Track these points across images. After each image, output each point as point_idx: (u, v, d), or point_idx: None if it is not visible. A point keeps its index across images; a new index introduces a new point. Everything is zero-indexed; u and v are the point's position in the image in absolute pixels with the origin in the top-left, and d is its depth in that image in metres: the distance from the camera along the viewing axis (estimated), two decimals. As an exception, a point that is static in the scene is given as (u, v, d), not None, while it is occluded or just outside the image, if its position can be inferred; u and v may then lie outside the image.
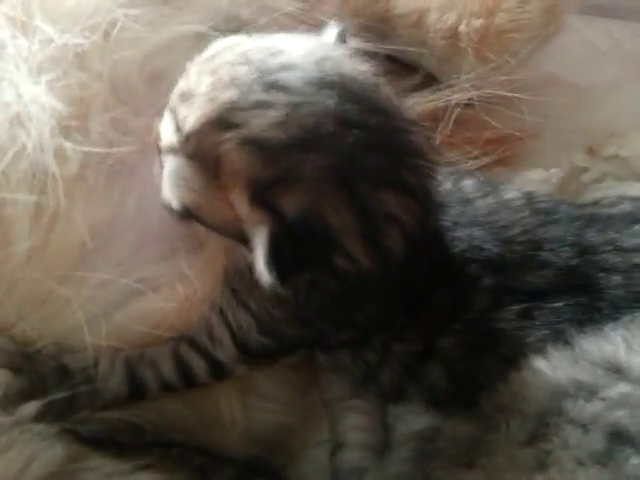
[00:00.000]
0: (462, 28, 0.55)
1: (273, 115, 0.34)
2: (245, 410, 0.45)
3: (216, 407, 0.44)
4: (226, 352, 0.45)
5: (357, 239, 0.37)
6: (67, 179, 0.39)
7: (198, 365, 0.44)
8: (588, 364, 0.38)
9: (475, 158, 0.55)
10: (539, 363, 0.39)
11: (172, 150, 0.37)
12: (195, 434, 0.42)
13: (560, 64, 0.64)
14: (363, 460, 0.46)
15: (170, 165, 0.38)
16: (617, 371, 0.37)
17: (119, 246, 0.41)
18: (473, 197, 0.47)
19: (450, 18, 0.55)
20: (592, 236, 0.44)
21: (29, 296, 0.39)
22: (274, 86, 0.35)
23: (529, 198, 0.48)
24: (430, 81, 0.60)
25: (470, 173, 0.52)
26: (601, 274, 0.43)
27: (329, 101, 0.35)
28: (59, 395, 0.36)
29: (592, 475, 0.34)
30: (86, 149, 0.40)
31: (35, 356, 0.39)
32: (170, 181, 0.38)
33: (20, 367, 0.38)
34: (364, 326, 0.44)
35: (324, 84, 0.35)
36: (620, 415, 0.35)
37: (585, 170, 0.57)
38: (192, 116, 0.35)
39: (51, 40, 0.38)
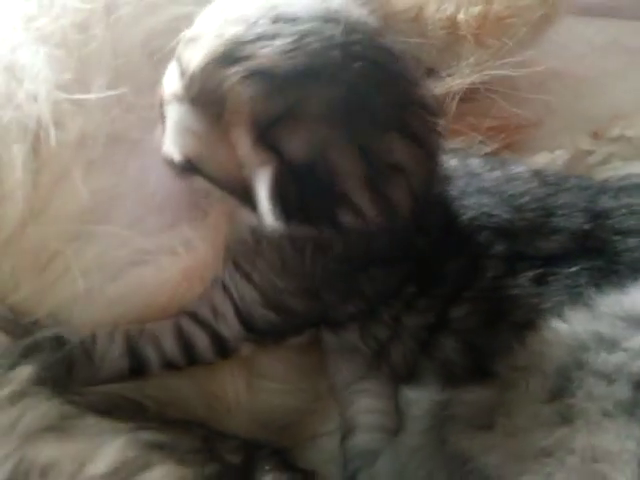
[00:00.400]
0: (460, 17, 0.55)
1: (279, 44, 0.33)
2: (250, 391, 0.43)
3: (221, 387, 0.42)
4: (230, 327, 0.43)
5: (361, 184, 0.36)
6: (66, 144, 0.38)
7: (201, 340, 0.43)
8: (608, 318, 0.37)
9: (479, 144, 0.54)
10: (556, 322, 0.38)
11: (175, 98, 0.36)
12: (198, 413, 0.40)
13: (559, 60, 0.64)
14: (376, 442, 0.44)
15: (173, 114, 0.37)
16: (638, 323, 0.36)
17: (119, 215, 0.40)
18: (480, 171, 0.46)
19: (448, 8, 0.56)
20: (605, 201, 0.44)
21: (26, 262, 0.38)
22: (280, 18, 0.34)
23: (537, 172, 0.48)
24: (430, 75, 0.61)
25: (476, 152, 0.51)
26: (616, 237, 0.42)
27: (335, 32, 0.34)
28: (54, 358, 0.35)
29: (620, 425, 0.32)
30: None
31: (31, 325, 0.38)
32: (172, 132, 0.37)
33: (15, 332, 0.37)
34: (371, 296, 0.42)
35: (330, 18, 0.35)
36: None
37: (590, 153, 0.56)
38: (197, 55, 0.35)
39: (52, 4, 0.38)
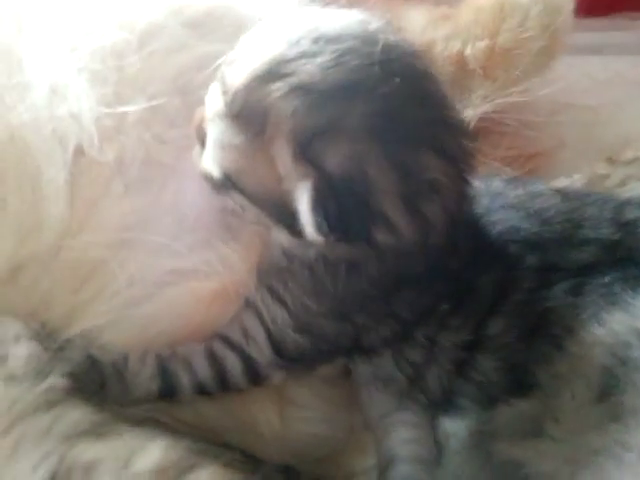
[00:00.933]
0: (468, 52, 0.57)
1: (320, 61, 0.35)
2: (282, 419, 0.41)
3: (252, 414, 0.41)
4: (261, 351, 0.42)
5: (398, 201, 0.36)
6: (104, 164, 0.39)
7: (232, 363, 0.42)
8: None
9: (497, 170, 0.55)
10: (594, 326, 0.37)
11: (218, 116, 0.37)
12: (230, 440, 0.39)
13: (566, 94, 0.66)
14: (417, 472, 0.42)
15: (214, 132, 0.38)
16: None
17: (153, 236, 0.40)
18: (503, 190, 0.47)
19: (455, 45, 0.58)
20: (630, 212, 0.44)
21: (61, 281, 0.38)
22: (321, 38, 0.36)
23: (559, 190, 0.48)
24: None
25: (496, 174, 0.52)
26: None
27: (374, 50, 0.35)
28: (88, 376, 0.34)
29: None
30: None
31: (63, 343, 0.37)
32: (213, 148, 0.38)
33: (47, 347, 0.36)
34: (405, 317, 0.41)
35: (369, 38, 0.36)
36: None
37: (607, 177, 0.57)
38: (241, 73, 0.36)
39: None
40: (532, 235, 0.42)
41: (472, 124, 0.56)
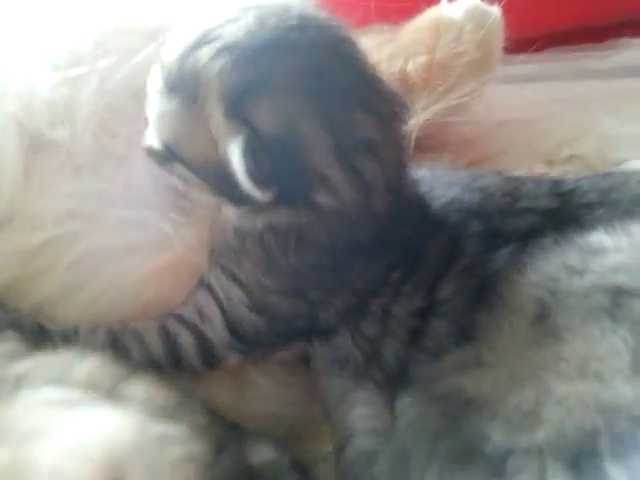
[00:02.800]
0: (409, 67, 0.61)
1: (243, 23, 0.37)
2: (239, 400, 0.40)
3: (207, 392, 0.40)
4: (216, 331, 0.42)
5: (331, 157, 0.37)
6: (54, 148, 0.40)
7: (186, 341, 0.42)
8: (572, 252, 0.39)
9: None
10: (526, 270, 0.39)
11: (157, 92, 0.39)
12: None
13: (505, 112, 0.71)
14: (374, 444, 0.41)
15: (153, 107, 0.39)
16: (596, 252, 0.38)
17: (104, 215, 0.40)
18: (446, 172, 0.49)
19: (398, 62, 0.62)
20: (566, 185, 0.45)
21: (12, 254, 0.38)
22: (244, 8, 0.38)
23: (499, 172, 0.50)
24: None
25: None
26: (582, 210, 0.44)
27: (294, 14, 0.38)
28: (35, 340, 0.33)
29: (605, 327, 0.33)
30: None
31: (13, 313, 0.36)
32: (153, 123, 0.39)
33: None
34: (358, 288, 0.42)
35: (288, 6, 0.39)
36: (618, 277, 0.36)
37: (546, 175, 0.60)
38: (174, 47, 0.38)
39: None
40: (474, 206, 0.44)
41: (415, 133, 0.59)
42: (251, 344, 0.43)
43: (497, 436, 0.31)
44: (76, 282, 0.39)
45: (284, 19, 0.37)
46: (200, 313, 0.42)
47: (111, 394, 0.30)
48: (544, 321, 0.36)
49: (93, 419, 0.27)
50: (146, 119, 0.41)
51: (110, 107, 0.45)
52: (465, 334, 0.39)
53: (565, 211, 0.43)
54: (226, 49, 0.36)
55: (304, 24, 0.38)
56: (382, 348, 0.42)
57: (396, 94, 0.42)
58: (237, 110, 0.36)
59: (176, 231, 0.41)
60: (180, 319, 0.42)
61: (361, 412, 0.44)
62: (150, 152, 0.41)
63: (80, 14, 0.46)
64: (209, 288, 0.43)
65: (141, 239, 0.41)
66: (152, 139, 0.40)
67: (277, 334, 0.43)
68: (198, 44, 0.37)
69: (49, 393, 0.28)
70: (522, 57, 0.75)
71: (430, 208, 0.44)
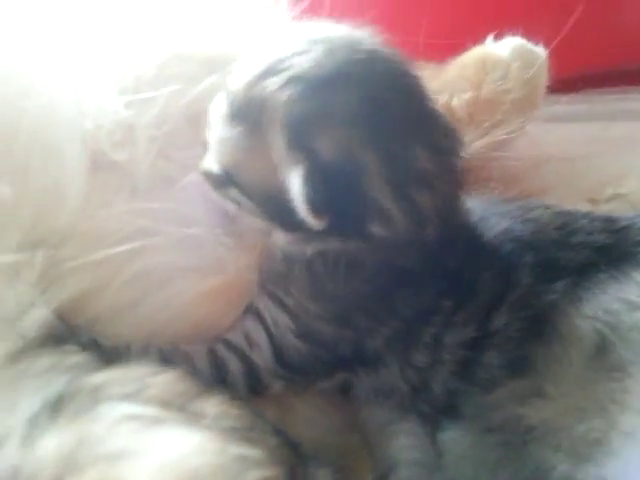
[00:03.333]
0: (454, 103, 0.62)
1: (312, 56, 0.38)
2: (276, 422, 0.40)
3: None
4: (263, 357, 0.42)
5: (388, 187, 0.38)
6: (115, 167, 0.41)
7: (235, 367, 0.42)
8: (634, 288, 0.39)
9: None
10: (583, 304, 0.39)
11: (219, 117, 0.40)
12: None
13: (549, 147, 0.71)
14: (418, 476, 0.40)
15: (215, 132, 0.40)
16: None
17: (160, 235, 0.41)
18: (497, 203, 0.49)
19: (443, 97, 0.63)
20: (621, 222, 0.45)
21: (70, 268, 0.38)
22: (313, 40, 0.39)
23: (548, 205, 0.50)
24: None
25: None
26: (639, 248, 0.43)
27: (362, 48, 0.39)
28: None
29: None
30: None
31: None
32: (214, 147, 0.40)
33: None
34: (406, 314, 0.42)
35: (355, 40, 0.40)
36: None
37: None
38: (242, 76, 0.39)
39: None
40: (528, 237, 0.44)
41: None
42: (295, 372, 0.43)
43: (563, 466, 0.31)
44: (131, 300, 0.39)
45: (352, 53, 0.39)
46: (248, 339, 0.42)
47: (186, 411, 0.29)
48: (606, 355, 0.35)
49: (176, 439, 0.27)
50: (205, 144, 0.42)
51: (168, 132, 0.47)
52: (518, 366, 0.39)
53: (621, 248, 0.43)
54: (294, 80, 0.37)
55: (371, 58, 0.39)
56: (430, 379, 0.42)
57: (453, 129, 0.42)
58: (300, 139, 0.37)
59: (229, 254, 0.42)
60: (229, 344, 0.42)
61: (404, 443, 0.43)
62: (208, 176, 0.42)
63: (146, 40, 0.48)
64: (257, 314, 0.43)
65: (195, 260, 0.41)
66: (211, 163, 0.41)
67: (321, 362, 0.43)
68: (266, 74, 0.38)
69: (128, 409, 0.28)
70: (561, 97, 0.77)
71: (482, 238, 0.44)
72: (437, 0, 0.77)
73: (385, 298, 0.41)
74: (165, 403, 0.30)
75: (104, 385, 0.30)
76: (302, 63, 0.37)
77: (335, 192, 0.36)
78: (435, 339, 0.41)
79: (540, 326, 0.40)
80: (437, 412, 0.42)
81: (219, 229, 0.43)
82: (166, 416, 0.29)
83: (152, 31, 0.49)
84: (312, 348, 0.42)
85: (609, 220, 0.46)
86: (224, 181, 0.40)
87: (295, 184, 0.36)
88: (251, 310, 0.43)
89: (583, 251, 0.43)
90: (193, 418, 0.29)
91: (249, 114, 0.38)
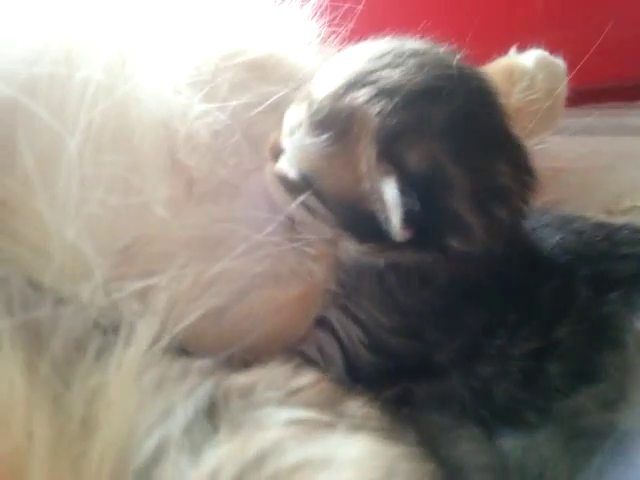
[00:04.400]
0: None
1: (403, 69, 0.38)
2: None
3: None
4: (336, 370, 0.42)
5: (472, 201, 0.38)
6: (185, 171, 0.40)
7: None
8: None
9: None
10: None
11: (299, 126, 0.40)
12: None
13: (558, 161, 0.73)
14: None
15: (295, 139, 0.40)
16: None
17: (234, 243, 0.40)
18: (539, 214, 0.50)
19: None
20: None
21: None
22: (403, 54, 0.40)
23: (586, 217, 0.52)
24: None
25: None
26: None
27: (451, 64, 0.40)
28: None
29: None
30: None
31: None
32: (292, 152, 0.40)
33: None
34: (474, 328, 0.42)
35: (444, 55, 0.41)
36: None
37: (613, 224, 0.62)
38: (327, 85, 0.39)
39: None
40: (580, 248, 0.45)
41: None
42: (364, 384, 0.42)
43: None
44: (215, 309, 0.39)
45: (442, 68, 0.39)
46: (321, 352, 0.42)
47: (337, 413, 0.29)
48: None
49: (349, 443, 0.27)
50: (274, 148, 0.42)
51: (222, 138, 0.46)
52: (589, 374, 0.40)
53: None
54: (386, 92, 0.38)
55: (460, 74, 0.40)
56: (494, 388, 0.43)
57: (525, 146, 0.43)
58: (391, 151, 0.37)
59: (301, 263, 0.42)
60: (304, 357, 0.42)
61: (468, 448, 0.43)
62: (282, 180, 0.42)
63: (201, 46, 0.47)
64: (330, 327, 0.43)
65: (271, 268, 0.41)
66: (288, 168, 0.41)
67: (387, 373, 0.43)
68: (356, 84, 0.38)
69: (290, 414, 0.28)
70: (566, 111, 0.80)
71: (540, 251, 0.45)
72: (453, 12, 0.79)
73: (454, 311, 0.42)
74: (318, 404, 0.29)
75: (252, 388, 0.29)
76: (393, 76, 0.38)
77: (421, 204, 0.37)
78: (500, 351, 0.42)
79: (605, 335, 0.41)
80: (497, 419, 0.43)
81: (286, 237, 0.42)
82: (328, 419, 0.28)
83: (204, 36, 0.49)
84: (381, 360, 0.43)
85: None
86: (300, 186, 0.40)
87: (389, 194, 0.36)
88: (323, 323, 0.43)
89: (631, 262, 0.45)
90: (344, 420, 0.29)
91: (336, 123, 0.38)
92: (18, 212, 0.37)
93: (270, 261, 0.41)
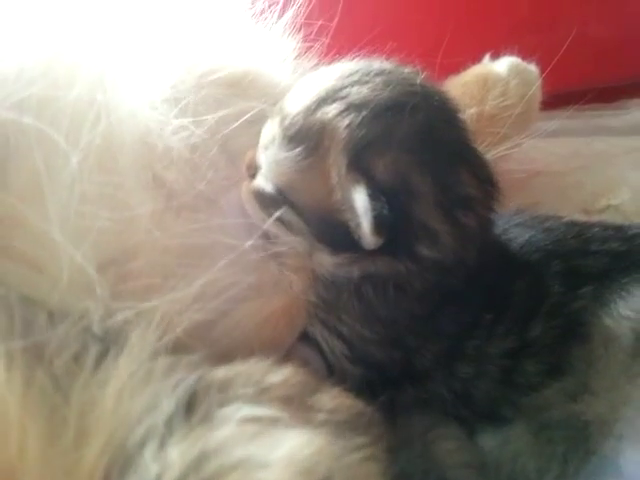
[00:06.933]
0: (461, 118, 0.65)
1: (371, 86, 0.40)
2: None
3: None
4: None
5: (438, 210, 0.40)
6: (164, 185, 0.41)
7: None
8: None
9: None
10: (617, 309, 0.42)
11: (273, 140, 0.42)
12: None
13: (536, 164, 0.75)
14: (469, 476, 0.42)
15: (269, 154, 0.42)
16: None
17: (217, 254, 0.41)
18: (513, 215, 0.52)
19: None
20: (631, 229, 0.48)
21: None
22: (370, 73, 0.42)
23: (559, 217, 0.53)
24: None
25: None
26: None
27: (415, 82, 0.42)
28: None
29: None
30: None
31: None
32: (267, 167, 0.42)
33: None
34: (451, 331, 0.44)
35: (408, 75, 0.43)
36: None
37: (588, 222, 0.63)
38: (299, 101, 0.41)
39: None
40: (550, 246, 0.47)
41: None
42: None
43: (630, 451, 0.33)
44: (205, 320, 0.40)
45: (407, 86, 0.42)
46: (307, 367, 0.42)
47: (305, 405, 0.31)
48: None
49: (290, 439, 0.28)
50: (253, 172, 0.44)
51: (201, 154, 0.47)
52: (559, 368, 0.42)
53: (634, 254, 0.47)
54: (354, 107, 0.40)
55: (424, 92, 0.42)
56: (474, 388, 0.44)
57: (486, 158, 0.45)
58: (360, 162, 0.39)
59: (283, 275, 0.43)
60: None
61: (449, 446, 0.44)
62: (258, 195, 0.43)
63: (180, 63, 0.48)
64: (314, 342, 0.44)
65: (255, 280, 0.42)
66: (264, 182, 0.43)
67: (370, 384, 0.44)
68: (326, 100, 0.40)
69: (250, 411, 0.29)
70: (540, 114, 0.81)
71: (510, 250, 0.47)
72: (426, 21, 0.81)
73: (432, 317, 0.44)
74: (286, 400, 0.31)
75: (230, 383, 0.31)
76: (361, 92, 0.40)
77: (389, 212, 0.38)
78: (478, 351, 0.44)
79: (574, 330, 0.43)
80: (477, 417, 0.44)
81: (265, 248, 0.43)
82: (284, 416, 0.29)
83: (180, 53, 0.50)
84: (366, 372, 0.44)
85: (619, 228, 0.49)
86: (275, 200, 0.42)
87: (359, 200, 0.38)
88: (307, 338, 0.45)
89: (601, 258, 0.46)
90: (309, 415, 0.30)
91: (308, 137, 0.40)
92: (15, 229, 0.37)
93: (252, 272, 0.42)
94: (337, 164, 0.39)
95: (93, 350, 0.32)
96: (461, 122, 0.45)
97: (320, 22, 0.60)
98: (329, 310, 0.44)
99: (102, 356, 0.32)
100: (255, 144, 0.46)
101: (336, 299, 0.44)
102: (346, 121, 0.39)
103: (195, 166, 0.46)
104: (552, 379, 0.41)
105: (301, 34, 0.60)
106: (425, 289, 0.42)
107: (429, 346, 0.44)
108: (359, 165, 0.39)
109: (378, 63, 0.44)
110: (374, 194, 0.38)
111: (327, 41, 0.61)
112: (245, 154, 0.46)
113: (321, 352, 0.44)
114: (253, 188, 0.43)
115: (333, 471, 0.27)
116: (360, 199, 0.38)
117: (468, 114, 0.65)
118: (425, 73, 0.45)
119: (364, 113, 0.39)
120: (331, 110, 0.40)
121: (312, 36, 0.61)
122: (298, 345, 0.45)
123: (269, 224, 0.42)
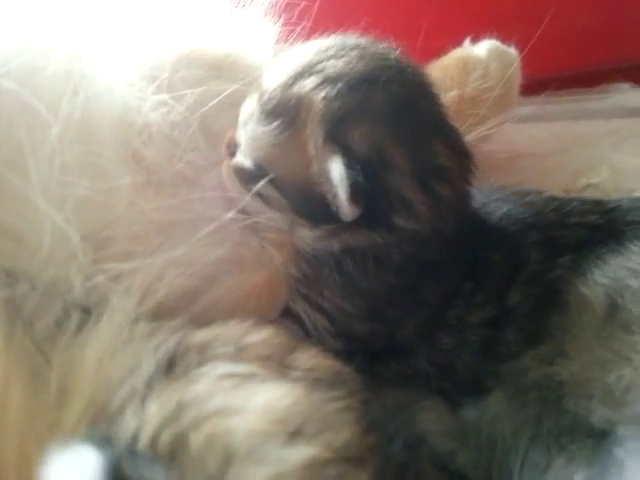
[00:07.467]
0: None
1: (346, 60, 0.41)
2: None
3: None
4: None
5: (413, 180, 0.41)
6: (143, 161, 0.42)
7: None
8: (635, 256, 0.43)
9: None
10: (592, 277, 0.43)
11: (252, 116, 0.42)
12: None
13: (518, 147, 0.76)
14: (451, 445, 0.42)
15: (248, 130, 0.42)
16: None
17: (196, 231, 0.41)
18: (493, 190, 0.52)
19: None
20: (610, 203, 0.49)
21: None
22: (345, 47, 0.42)
23: (540, 191, 0.54)
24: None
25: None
26: (626, 227, 0.47)
27: (390, 56, 0.43)
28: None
29: None
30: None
31: None
32: (246, 144, 0.42)
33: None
34: (432, 302, 0.44)
35: (383, 49, 0.44)
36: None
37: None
38: (276, 76, 0.42)
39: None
40: (529, 218, 0.47)
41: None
42: None
43: (600, 410, 0.34)
44: (185, 295, 0.40)
45: (382, 60, 0.42)
46: None
47: (282, 365, 0.31)
48: (618, 313, 0.39)
49: (267, 390, 0.28)
50: (232, 151, 0.44)
51: (180, 133, 0.48)
52: (537, 336, 0.42)
53: (612, 226, 0.47)
54: (330, 80, 0.40)
55: (398, 65, 0.43)
56: (456, 359, 0.45)
57: (460, 131, 0.46)
58: (336, 133, 0.39)
59: (264, 251, 0.43)
60: None
61: (430, 417, 0.45)
62: (237, 170, 0.44)
63: (158, 43, 0.49)
64: (297, 317, 0.45)
65: (235, 253, 0.42)
66: (243, 158, 0.43)
67: (354, 358, 0.43)
68: (302, 74, 0.41)
69: (227, 368, 0.29)
70: (522, 99, 0.82)
71: (488, 222, 0.47)
72: (407, 6, 0.82)
73: (412, 289, 0.44)
74: (265, 358, 0.31)
75: (209, 344, 0.31)
76: (337, 66, 0.41)
77: (365, 187, 0.39)
78: (459, 320, 0.44)
79: (552, 298, 0.43)
80: (460, 390, 0.45)
81: (245, 223, 0.44)
82: (260, 372, 0.30)
83: (161, 34, 0.50)
84: (347, 346, 0.44)
85: (598, 202, 0.50)
86: (255, 175, 0.42)
87: (335, 170, 0.38)
88: (290, 313, 0.45)
89: (579, 230, 0.47)
90: (285, 372, 0.31)
91: (285, 111, 0.41)
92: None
93: (233, 246, 0.42)
94: (314, 136, 0.40)
95: (75, 315, 0.33)
96: (435, 95, 0.45)
97: (302, 4, 0.61)
98: (311, 285, 0.45)
99: (84, 321, 0.33)
100: (235, 126, 0.46)
101: (317, 273, 0.44)
102: (322, 94, 0.40)
103: (175, 142, 0.46)
104: (530, 347, 0.42)
105: (282, 17, 0.61)
106: (404, 261, 0.43)
107: (410, 318, 0.44)
108: (335, 137, 0.39)
109: (353, 39, 0.44)
110: (350, 163, 0.38)
111: (309, 25, 0.62)
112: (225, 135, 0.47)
113: (303, 327, 0.45)
114: (233, 165, 0.44)
115: (308, 420, 0.27)
116: (336, 169, 0.38)
117: (449, 97, 0.66)
118: (401, 50, 0.46)
119: (339, 85, 0.40)
120: (307, 84, 0.40)
121: (294, 19, 0.62)
122: (281, 320, 0.45)
123: (249, 198, 0.43)
